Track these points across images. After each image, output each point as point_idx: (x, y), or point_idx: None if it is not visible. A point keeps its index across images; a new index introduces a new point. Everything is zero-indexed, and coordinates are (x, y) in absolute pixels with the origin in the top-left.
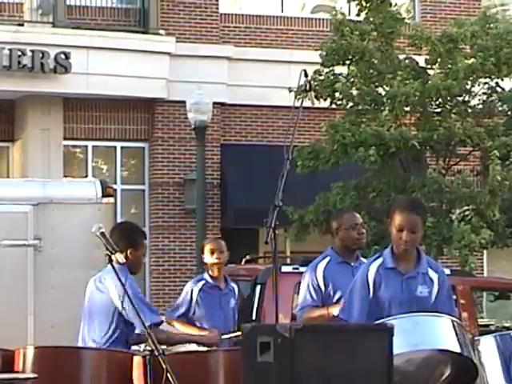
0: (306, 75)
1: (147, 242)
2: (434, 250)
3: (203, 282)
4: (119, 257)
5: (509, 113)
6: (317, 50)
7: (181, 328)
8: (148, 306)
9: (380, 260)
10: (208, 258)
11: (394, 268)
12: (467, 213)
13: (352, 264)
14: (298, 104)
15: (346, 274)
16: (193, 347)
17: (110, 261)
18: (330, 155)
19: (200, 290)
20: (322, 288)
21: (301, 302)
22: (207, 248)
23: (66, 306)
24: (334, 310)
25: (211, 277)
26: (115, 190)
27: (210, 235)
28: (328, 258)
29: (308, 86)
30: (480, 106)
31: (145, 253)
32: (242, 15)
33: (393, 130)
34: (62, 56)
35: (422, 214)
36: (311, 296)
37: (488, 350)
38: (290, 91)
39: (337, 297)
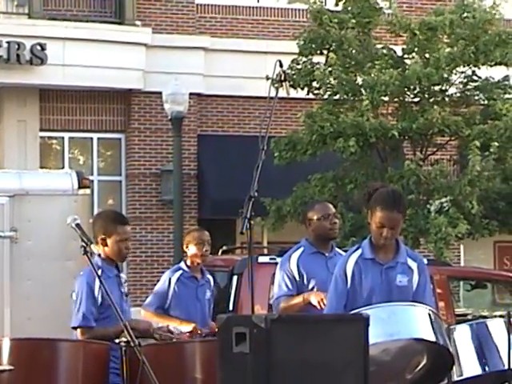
0: (281, 65)
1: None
2: (411, 241)
3: (181, 271)
4: (94, 248)
5: (485, 101)
6: (296, 37)
7: (159, 321)
8: (87, 307)
9: (359, 251)
10: (194, 249)
11: (373, 259)
12: (445, 204)
13: (326, 254)
14: (273, 94)
15: (320, 264)
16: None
17: (86, 252)
18: (307, 146)
19: (177, 280)
20: (297, 278)
21: (276, 292)
22: (195, 238)
23: (42, 298)
24: (311, 298)
25: (189, 267)
26: (92, 181)
27: (187, 226)
28: (302, 249)
29: (283, 76)
30: (457, 95)
31: (123, 239)
32: (218, 6)
33: (372, 120)
34: (38, 47)
35: (403, 209)
36: (286, 286)
37: (463, 338)
38: (268, 79)
39: (311, 286)
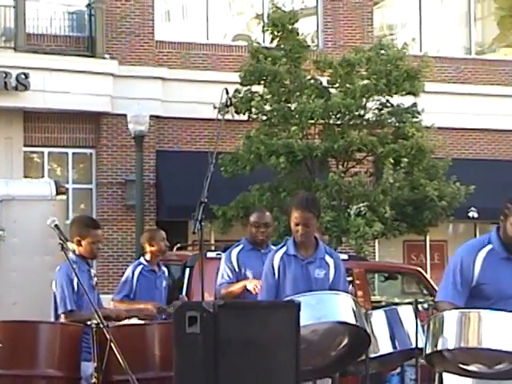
0: (227, 93)
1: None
2: (334, 240)
3: (142, 266)
4: (70, 245)
5: (396, 124)
6: (237, 71)
7: (126, 307)
8: (68, 295)
9: (284, 249)
10: (155, 247)
11: (295, 255)
12: (362, 209)
13: (262, 251)
14: (220, 117)
15: (256, 258)
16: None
17: (62, 248)
18: (246, 162)
19: (139, 273)
20: (236, 269)
21: (219, 280)
22: (158, 237)
23: (25, 287)
24: (247, 285)
25: (148, 261)
26: (67, 189)
27: (147, 227)
28: (241, 246)
29: (229, 101)
30: (373, 119)
31: (94, 241)
32: (175, 42)
33: (300, 141)
34: (23, 76)
35: (314, 210)
36: (228, 275)
37: (378, 321)
38: (215, 108)
39: (249, 275)
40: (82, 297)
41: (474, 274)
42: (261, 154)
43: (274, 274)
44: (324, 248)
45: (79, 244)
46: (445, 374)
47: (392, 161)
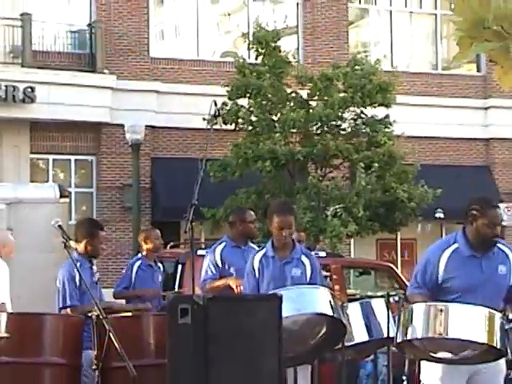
0: (216, 105)
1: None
2: (312, 239)
3: (140, 261)
4: (73, 244)
5: (370, 133)
6: (225, 86)
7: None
8: (69, 291)
9: (263, 251)
10: (150, 245)
11: (274, 256)
12: (338, 210)
13: (242, 247)
14: (209, 127)
15: (238, 255)
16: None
17: (65, 246)
18: (235, 168)
19: (138, 267)
20: (220, 265)
21: (203, 275)
22: (153, 236)
23: (30, 281)
24: (231, 283)
25: (146, 257)
26: (70, 193)
27: (143, 227)
28: (224, 243)
29: (217, 112)
30: (349, 129)
31: (102, 241)
32: (168, 58)
33: (283, 147)
34: (29, 90)
35: (293, 213)
36: (211, 271)
37: (353, 313)
38: (204, 120)
39: (232, 270)
40: (83, 293)
41: (438, 271)
42: (248, 158)
43: (255, 274)
44: (300, 249)
45: (88, 243)
46: (422, 362)
47: (363, 165)
